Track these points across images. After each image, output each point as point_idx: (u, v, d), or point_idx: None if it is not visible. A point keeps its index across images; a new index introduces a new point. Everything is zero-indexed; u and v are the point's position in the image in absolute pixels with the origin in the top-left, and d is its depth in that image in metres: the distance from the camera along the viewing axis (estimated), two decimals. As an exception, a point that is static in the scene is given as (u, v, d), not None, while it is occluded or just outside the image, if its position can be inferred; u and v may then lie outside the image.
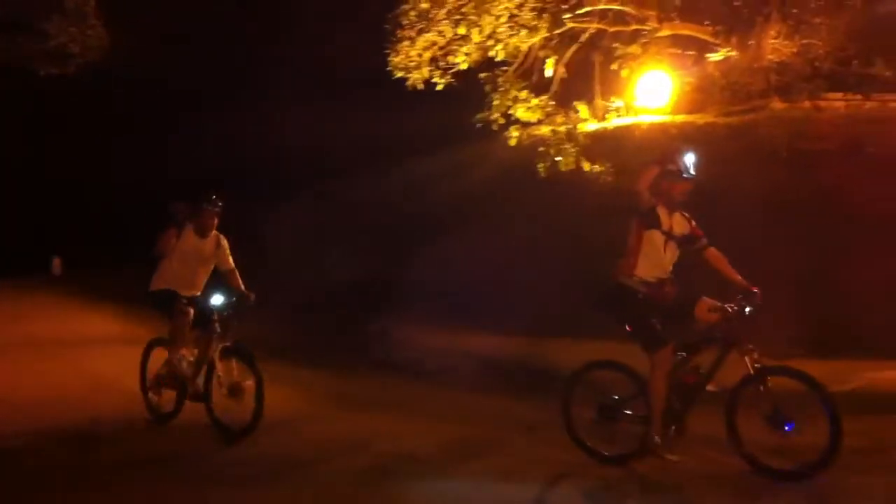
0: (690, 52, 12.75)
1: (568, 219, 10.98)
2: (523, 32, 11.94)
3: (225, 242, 7.78)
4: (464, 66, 12.26)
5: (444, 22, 12.09)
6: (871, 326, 8.67)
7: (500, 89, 12.04)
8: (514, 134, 12.12)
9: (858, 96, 11.63)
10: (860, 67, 11.62)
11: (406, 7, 12.25)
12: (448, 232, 12.10)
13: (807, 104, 11.45)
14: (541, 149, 11.73)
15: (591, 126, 12.26)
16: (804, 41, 11.67)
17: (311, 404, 8.78)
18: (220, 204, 7.64)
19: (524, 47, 12.33)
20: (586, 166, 11.32)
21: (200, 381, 7.44)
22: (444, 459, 6.62)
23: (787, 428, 5.60)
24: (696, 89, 12.30)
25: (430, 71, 12.40)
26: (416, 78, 12.42)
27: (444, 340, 10.49)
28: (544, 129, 12.05)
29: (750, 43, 11.56)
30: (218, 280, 7.85)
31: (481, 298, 10.86)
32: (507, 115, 12.12)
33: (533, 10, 11.82)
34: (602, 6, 12.08)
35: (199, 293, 7.71)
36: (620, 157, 11.25)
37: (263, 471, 6.41)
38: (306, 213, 15.61)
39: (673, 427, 6.00)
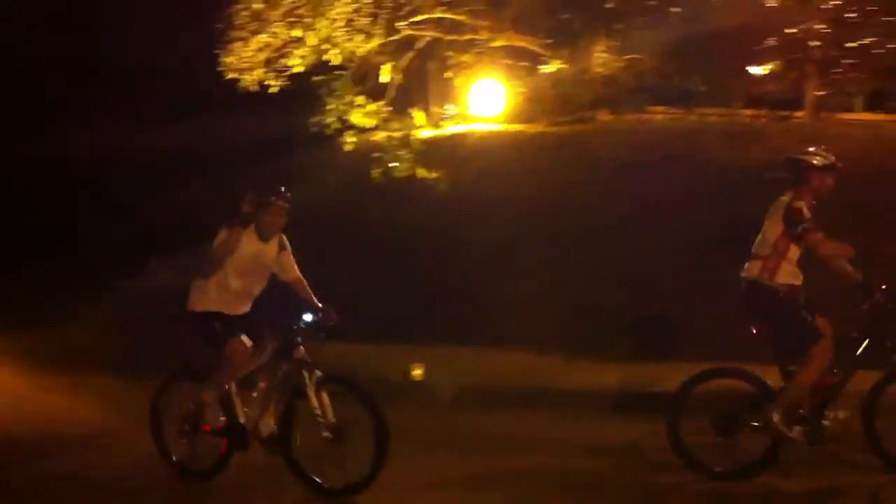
0: (524, 63, 13.02)
1: (401, 226, 10.96)
2: (359, 37, 11.82)
3: (288, 245, 6.08)
4: (299, 69, 12.02)
5: (278, 23, 11.81)
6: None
7: (336, 94, 11.89)
8: (349, 139, 11.99)
9: (680, 110, 12.24)
10: (681, 82, 12.22)
11: (239, 7, 11.90)
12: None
13: (632, 116, 11.94)
14: (376, 155, 11.66)
15: (426, 133, 12.29)
16: (630, 56, 12.11)
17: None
18: (289, 197, 6.00)
19: (360, 52, 12.21)
20: (421, 173, 11.32)
21: (268, 422, 5.93)
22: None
23: None
24: (528, 99, 12.57)
25: (265, 73, 12.09)
26: (249, 80, 12.07)
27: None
28: (380, 135, 11.99)
29: (579, 56, 11.92)
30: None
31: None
32: (343, 121, 11.98)
33: (369, 15, 11.72)
34: (438, 14, 12.14)
35: (247, 311, 6.12)
36: (455, 164, 11.36)
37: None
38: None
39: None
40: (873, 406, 5.74)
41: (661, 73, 12.18)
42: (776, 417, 5.56)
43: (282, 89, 12.17)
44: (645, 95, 12.08)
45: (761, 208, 5.88)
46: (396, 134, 11.79)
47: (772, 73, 12.31)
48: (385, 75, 12.32)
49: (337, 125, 11.96)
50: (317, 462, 5.62)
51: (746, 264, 5.92)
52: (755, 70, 13.23)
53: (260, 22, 11.85)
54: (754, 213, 6.07)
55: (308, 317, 5.78)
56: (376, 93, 12.42)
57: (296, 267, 6.04)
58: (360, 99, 12.00)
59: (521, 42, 12.47)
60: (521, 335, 9.39)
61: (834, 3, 10.82)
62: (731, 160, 10.29)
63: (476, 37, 12.21)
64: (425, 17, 12.15)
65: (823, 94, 11.54)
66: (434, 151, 11.74)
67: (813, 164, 5.82)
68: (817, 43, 11.06)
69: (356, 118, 11.98)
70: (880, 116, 12.48)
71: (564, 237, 10.10)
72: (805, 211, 5.67)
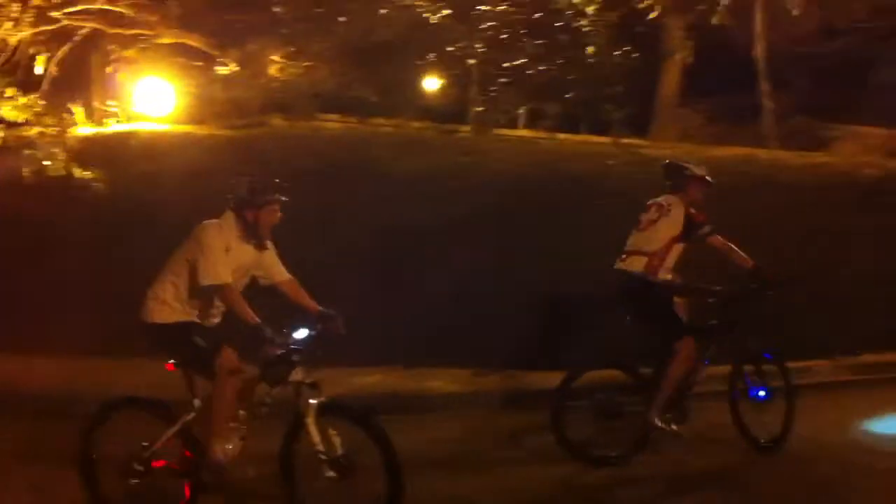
0: (199, 63, 12.62)
1: (56, 226, 10.16)
2: (8, 24, 10.85)
3: (271, 245, 5.17)
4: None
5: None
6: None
7: (-17, 84, 10.83)
8: (-1, 134, 10.96)
9: (353, 119, 12.44)
10: (356, 92, 12.43)
11: None
12: None
13: (305, 123, 11.94)
14: (27, 151, 10.72)
15: (85, 130, 11.51)
16: (307, 63, 12.12)
17: None
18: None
19: (12, 41, 11.24)
20: (77, 172, 10.56)
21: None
22: None
23: None
24: (199, 101, 12.18)
25: None
26: None
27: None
28: (33, 131, 11.05)
29: (251, 59, 11.74)
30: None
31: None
32: (-7, 114, 10.93)
33: (18, 1, 10.78)
34: (100, 6, 11.43)
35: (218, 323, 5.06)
36: (116, 165, 10.71)
37: None
38: None
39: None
40: (733, 389, 6.36)
41: (337, 82, 12.32)
42: (655, 418, 6.08)
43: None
44: (318, 102, 12.14)
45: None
46: (51, 130, 10.92)
47: (441, 88, 12.91)
48: (39, 66, 11.40)
49: (-16, 118, 10.89)
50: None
51: (627, 258, 6.22)
52: (430, 84, 13.80)
53: None
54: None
55: (301, 333, 4.81)
56: (32, 85, 11.48)
57: (283, 267, 5.20)
58: (11, 91, 11.01)
59: (188, 40, 12.08)
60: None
61: (490, 24, 11.50)
62: (395, 169, 10.55)
63: (142, 31, 11.64)
64: (86, 7, 11.39)
65: (483, 110, 12.22)
66: (94, 150, 10.99)
67: (694, 173, 6.27)
68: (474, 61, 11.71)
69: (6, 111, 10.98)
70: (539, 133, 13.47)
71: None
72: (698, 215, 6.17)
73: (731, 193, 10.97)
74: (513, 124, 14.45)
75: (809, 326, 9.17)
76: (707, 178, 6.37)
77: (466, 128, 12.67)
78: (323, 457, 4.62)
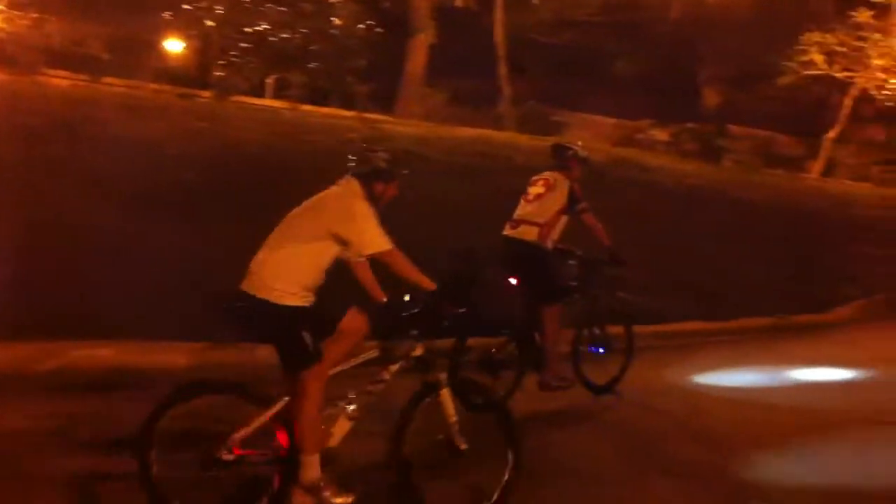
0: None
1: None
2: None
3: None
4: None
5: None
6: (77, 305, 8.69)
7: None
8: None
9: (84, 76, 11.82)
10: (88, 48, 11.83)
11: None
12: None
13: (31, 79, 11.22)
14: None
15: None
16: (36, 15, 11.40)
17: None
18: None
19: None
20: None
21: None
22: None
23: None
24: None
25: None
26: None
27: None
28: None
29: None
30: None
31: None
32: None
33: None
34: None
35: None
36: None
37: None
38: None
39: None
40: (576, 346, 6.79)
41: (67, 37, 11.68)
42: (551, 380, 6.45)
43: None
44: (46, 57, 11.45)
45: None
46: None
47: (183, 51, 12.54)
48: None
49: None
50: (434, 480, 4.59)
51: (518, 227, 6.53)
52: (172, 46, 13.37)
53: None
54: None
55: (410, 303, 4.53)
56: None
57: None
58: None
59: None
60: None
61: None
62: (125, 132, 10.20)
63: None
64: None
65: (223, 76, 12.00)
66: None
67: (577, 154, 6.76)
68: (213, 23, 11.43)
69: None
70: (284, 104, 13.42)
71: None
72: (579, 190, 6.57)
73: (471, 173, 11.60)
74: (260, 93, 14.32)
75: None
76: (587, 158, 6.92)
77: (208, 93, 12.41)
78: (457, 428, 4.52)
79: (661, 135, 20.04)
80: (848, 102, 20.63)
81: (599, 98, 21.43)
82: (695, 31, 20.91)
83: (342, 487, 4.38)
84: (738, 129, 22.02)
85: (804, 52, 19.14)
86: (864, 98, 20.53)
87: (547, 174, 6.79)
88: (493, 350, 6.50)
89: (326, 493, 4.32)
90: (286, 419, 4.41)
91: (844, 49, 19.14)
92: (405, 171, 4.87)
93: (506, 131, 14.54)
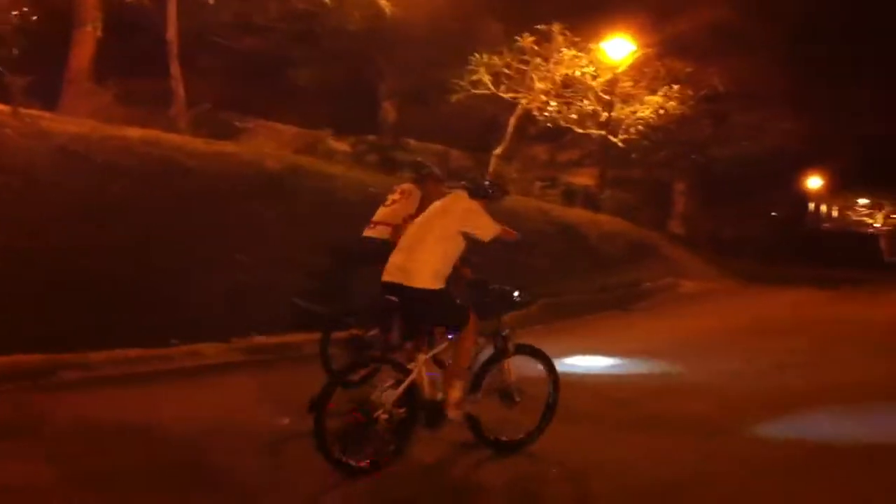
0: None
1: None
2: None
3: None
4: None
5: None
6: None
7: None
8: None
9: None
10: None
11: None
12: None
13: None
14: None
15: None
16: None
17: None
18: None
19: None
20: None
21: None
22: None
23: None
24: None
25: None
26: None
27: None
28: None
29: None
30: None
31: None
32: None
33: None
34: None
35: None
36: None
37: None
38: None
39: None
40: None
41: None
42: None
43: None
44: None
45: None
46: None
47: None
48: None
49: None
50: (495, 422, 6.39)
51: (375, 227, 7.83)
52: None
53: None
54: None
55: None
56: None
57: None
58: None
59: None
60: None
61: None
62: None
63: None
64: None
65: None
66: None
67: (432, 172, 8.13)
68: None
69: None
70: None
71: None
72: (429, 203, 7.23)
73: (139, 174, 10.79)
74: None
75: (205, 309, 9.31)
76: (440, 175, 8.13)
77: None
78: (515, 386, 6.42)
79: (341, 145, 20.15)
80: (513, 121, 21.99)
81: (281, 106, 21.23)
82: (373, 45, 21.30)
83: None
84: (416, 142, 22.82)
85: (474, 71, 20.19)
86: (529, 118, 22.06)
87: (405, 185, 8.15)
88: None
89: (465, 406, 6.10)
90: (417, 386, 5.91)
91: (510, 72, 20.47)
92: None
93: (179, 134, 13.79)
